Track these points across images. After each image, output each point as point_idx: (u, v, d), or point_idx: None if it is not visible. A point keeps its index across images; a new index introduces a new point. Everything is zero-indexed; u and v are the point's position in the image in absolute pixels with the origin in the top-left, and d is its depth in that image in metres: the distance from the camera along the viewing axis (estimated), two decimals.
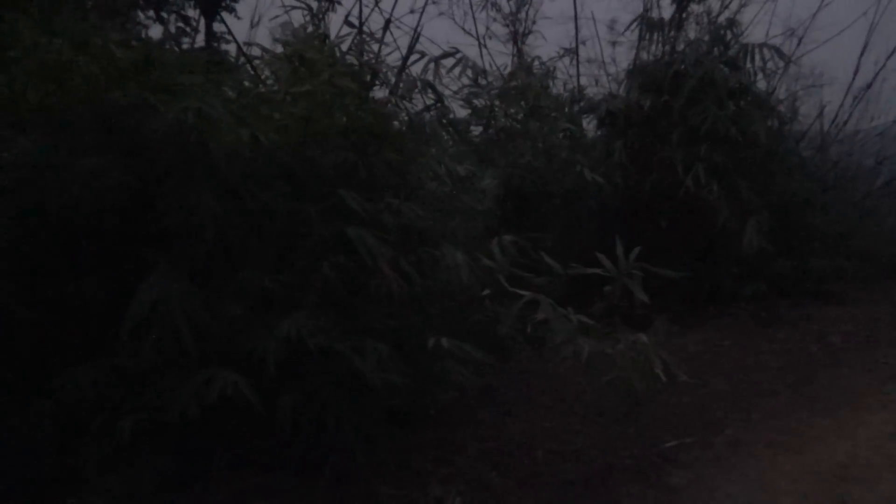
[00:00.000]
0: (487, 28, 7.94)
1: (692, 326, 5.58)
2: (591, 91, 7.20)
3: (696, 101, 6.02)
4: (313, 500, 2.91)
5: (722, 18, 6.72)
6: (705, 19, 6.89)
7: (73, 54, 2.91)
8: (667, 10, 6.87)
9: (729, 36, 6.54)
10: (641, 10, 6.84)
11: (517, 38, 8.02)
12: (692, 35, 6.78)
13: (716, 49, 6.47)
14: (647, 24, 6.71)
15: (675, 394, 4.07)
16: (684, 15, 6.87)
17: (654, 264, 3.72)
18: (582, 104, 6.72)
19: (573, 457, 3.44)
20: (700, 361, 4.79)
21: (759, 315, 5.90)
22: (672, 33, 6.81)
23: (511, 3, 7.97)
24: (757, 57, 6.29)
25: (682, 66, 6.24)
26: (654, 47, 6.89)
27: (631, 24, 6.82)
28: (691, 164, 5.85)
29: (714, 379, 4.50)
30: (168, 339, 2.63)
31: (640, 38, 6.86)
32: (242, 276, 2.86)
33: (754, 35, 6.93)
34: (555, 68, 6.41)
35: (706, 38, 6.62)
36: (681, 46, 6.70)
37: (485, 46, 7.54)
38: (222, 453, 2.92)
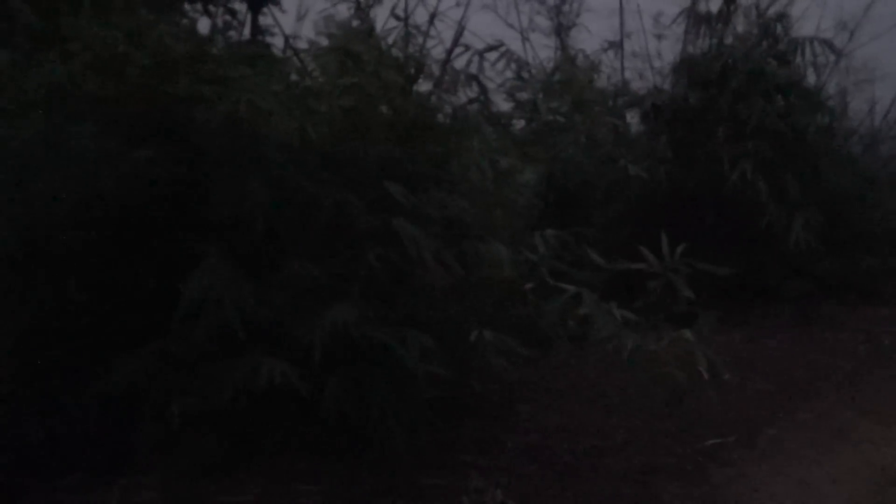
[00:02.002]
0: (531, 21, 7.90)
1: (736, 324, 5.50)
2: (635, 85, 7.14)
3: (744, 96, 5.93)
4: (355, 486, 2.95)
5: (771, 12, 6.60)
6: (754, 12, 6.77)
7: (129, 47, 2.99)
8: (714, 3, 6.78)
9: (778, 29, 6.43)
10: (689, 3, 6.75)
11: (561, 31, 7.98)
12: (740, 29, 6.68)
13: (765, 43, 6.37)
14: (695, 17, 6.62)
15: (718, 392, 4.02)
16: (732, 8, 6.75)
17: (697, 260, 3.69)
18: (626, 98, 6.66)
19: (613, 452, 3.42)
20: (744, 360, 4.73)
21: (805, 314, 5.80)
22: (720, 27, 6.71)
23: None
24: (807, 51, 6.18)
25: (730, 60, 6.15)
26: (700, 41, 6.80)
27: (677, 16, 6.75)
28: (738, 159, 5.77)
29: (758, 378, 4.44)
30: (217, 326, 2.70)
31: (687, 32, 6.77)
32: (290, 265, 2.91)
33: (804, 29, 6.79)
34: (599, 62, 6.36)
35: (755, 31, 6.51)
36: (728, 40, 6.59)
37: (527, 40, 7.52)
38: (268, 438, 2.98)
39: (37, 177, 2.80)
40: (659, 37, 7.52)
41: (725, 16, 6.73)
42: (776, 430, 3.71)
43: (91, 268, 2.89)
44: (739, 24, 6.74)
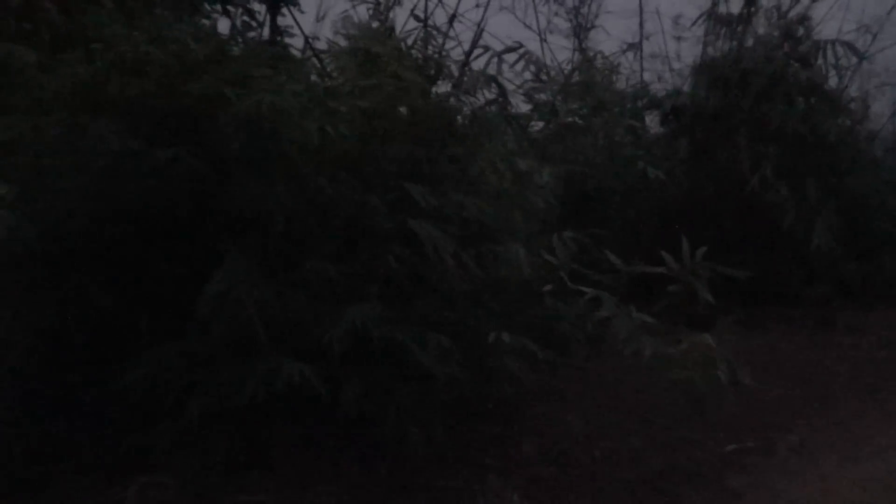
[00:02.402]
0: (549, 22, 7.88)
1: (755, 328, 5.46)
2: (654, 87, 7.10)
3: (765, 99, 5.89)
4: (373, 487, 2.95)
5: (793, 14, 6.54)
6: (775, 15, 6.72)
7: (151, 47, 3.00)
8: (735, 5, 6.73)
9: (800, 32, 6.37)
10: (709, 5, 6.70)
11: (579, 32, 7.94)
12: (761, 31, 6.63)
13: (786, 45, 6.31)
14: (715, 19, 6.57)
15: (738, 396, 3.98)
16: (753, 10, 6.70)
17: (716, 264, 3.66)
18: (645, 100, 6.63)
19: (631, 456, 3.40)
20: (763, 364, 4.68)
21: (824, 318, 5.74)
22: (740, 29, 6.66)
23: None
24: (829, 53, 6.12)
25: (751, 63, 6.10)
26: (720, 43, 6.76)
27: (698, 19, 6.71)
28: (758, 162, 5.73)
29: (777, 382, 4.40)
30: (237, 325, 2.70)
31: (707, 34, 6.72)
32: (309, 265, 2.91)
33: (826, 31, 6.73)
34: (618, 63, 6.33)
35: (776, 33, 6.46)
36: (749, 42, 6.55)
37: (545, 41, 7.50)
38: (285, 438, 2.99)
39: (61, 175, 2.83)
40: (678, 39, 7.47)
41: (746, 18, 6.68)
42: (796, 435, 3.67)
43: (112, 266, 2.90)
44: (760, 27, 6.70)
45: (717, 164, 6.01)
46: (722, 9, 6.70)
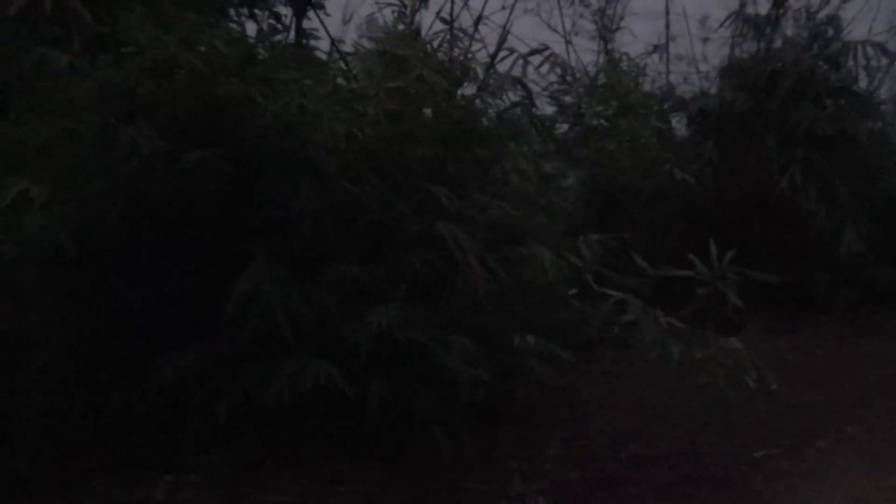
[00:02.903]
0: (574, 24, 7.84)
1: (783, 333, 5.39)
2: (681, 89, 7.04)
3: (794, 101, 5.81)
4: (397, 489, 2.95)
5: (822, 14, 6.46)
6: (804, 15, 6.64)
7: (180, 50, 3.03)
8: (763, 6, 6.66)
9: (829, 32, 6.29)
10: (737, 6, 6.64)
11: (605, 34, 7.91)
12: (789, 32, 6.55)
13: (815, 46, 6.23)
14: (743, 20, 6.51)
15: (766, 402, 3.94)
16: (781, 11, 6.63)
17: (744, 267, 3.62)
18: (672, 102, 6.57)
19: (657, 462, 3.37)
20: (791, 370, 4.63)
21: (853, 324, 5.67)
22: (768, 30, 6.59)
23: None
24: (859, 54, 6.02)
25: (780, 64, 6.03)
26: (748, 44, 6.69)
27: (725, 20, 6.63)
28: (787, 165, 5.67)
29: (806, 388, 4.35)
30: (264, 325, 2.72)
31: (735, 35, 6.66)
32: (335, 267, 2.92)
33: (856, 32, 6.63)
34: (644, 65, 6.28)
35: (804, 34, 6.38)
36: (777, 43, 6.47)
37: (570, 43, 7.46)
38: (311, 439, 3.00)
39: (92, 177, 2.87)
40: (705, 40, 7.41)
41: (774, 19, 6.60)
42: (826, 442, 3.62)
43: (141, 266, 2.93)
44: (788, 28, 6.62)
45: (745, 166, 5.94)
46: (750, 10, 6.64)
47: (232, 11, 5.37)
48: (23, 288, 2.95)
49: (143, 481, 2.85)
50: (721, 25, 6.77)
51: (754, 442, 3.58)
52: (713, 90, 6.64)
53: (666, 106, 6.56)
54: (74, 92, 2.99)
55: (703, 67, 7.35)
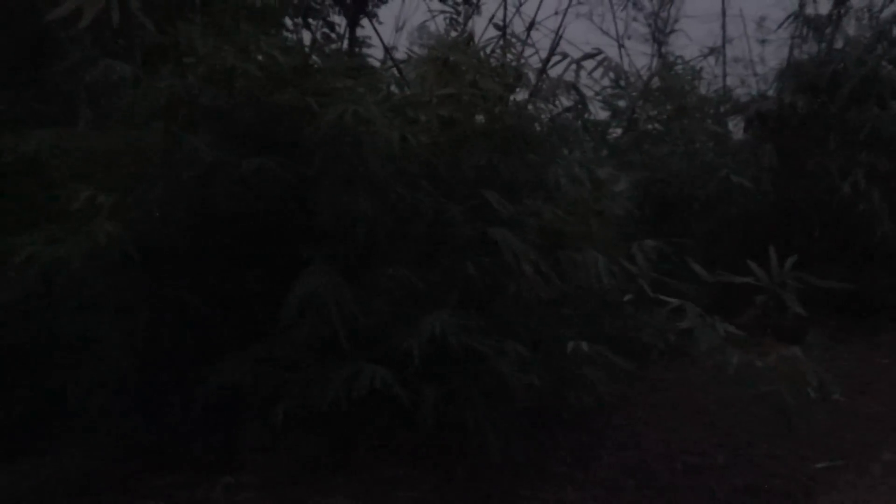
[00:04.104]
0: (626, 28, 7.79)
1: (846, 342, 5.23)
2: (738, 92, 6.91)
3: (857, 102, 5.65)
4: (450, 495, 2.95)
5: (886, 13, 6.28)
6: (866, 15, 6.46)
7: (239, 61, 3.11)
8: (823, 6, 6.50)
9: (894, 32, 6.09)
10: (796, 6, 6.49)
11: (658, 37, 7.82)
12: (851, 32, 6.38)
13: (879, 46, 6.04)
14: (803, 20, 6.36)
15: (828, 412, 3.82)
16: (843, 10, 6.46)
17: (804, 274, 3.52)
18: (728, 105, 6.45)
19: (715, 472, 3.30)
20: (855, 379, 4.48)
21: None
22: (829, 30, 6.42)
23: (653, 2, 7.78)
24: None
25: (841, 65, 5.86)
26: (808, 45, 6.54)
27: (784, 21, 6.49)
28: (849, 169, 5.50)
29: (870, 398, 4.21)
30: (321, 330, 2.76)
31: (794, 36, 6.51)
32: (390, 272, 2.95)
33: None
34: (700, 68, 6.19)
35: (867, 34, 6.20)
36: (839, 44, 6.31)
37: (623, 47, 7.40)
38: (365, 443, 3.03)
39: (155, 185, 2.95)
40: (762, 42, 7.27)
41: (835, 19, 6.43)
42: (890, 454, 3.49)
43: (202, 272, 3.01)
44: (850, 28, 6.45)
45: (805, 170, 5.79)
46: (810, 10, 6.49)
47: (288, 21, 5.48)
48: (89, 292, 3.05)
49: (203, 481, 2.91)
50: (780, 26, 6.65)
51: (816, 453, 3.48)
52: (771, 93, 6.50)
53: (722, 109, 6.45)
54: (138, 102, 3.09)
55: (760, 70, 7.23)
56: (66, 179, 2.91)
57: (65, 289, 2.96)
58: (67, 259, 2.67)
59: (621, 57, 7.27)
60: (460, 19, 5.35)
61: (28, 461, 3.07)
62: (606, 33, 7.48)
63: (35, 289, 2.90)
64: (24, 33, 3.71)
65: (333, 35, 7.93)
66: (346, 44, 7.12)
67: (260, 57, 3.15)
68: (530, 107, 4.04)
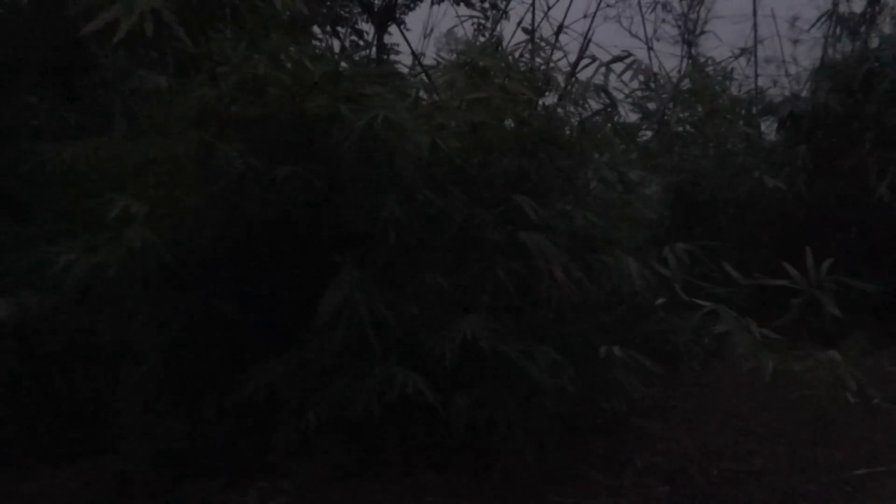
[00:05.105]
0: (655, 30, 7.73)
1: (886, 346, 5.11)
2: (770, 93, 6.82)
3: (892, 101, 5.54)
4: (483, 501, 2.94)
5: None
6: None
7: (270, 69, 3.14)
8: (857, 4, 6.39)
9: None
10: (829, 5, 6.39)
11: (688, 39, 7.75)
12: (887, 30, 6.27)
13: None
14: (836, 19, 6.26)
15: (867, 418, 3.74)
16: (877, 8, 6.34)
17: (842, 277, 3.45)
18: (760, 106, 6.37)
19: (752, 478, 3.25)
20: (895, 384, 4.39)
21: None
22: (863, 29, 6.31)
23: (682, 3, 7.72)
24: None
25: (877, 64, 5.76)
26: (841, 44, 6.43)
27: (817, 20, 6.40)
28: (885, 169, 5.39)
29: None
30: (353, 335, 2.77)
31: (828, 35, 6.40)
32: (420, 277, 2.95)
33: None
34: (731, 69, 6.10)
35: None
36: (874, 43, 6.20)
37: (652, 49, 7.35)
38: (397, 449, 3.03)
39: (188, 193, 2.99)
40: (795, 41, 7.17)
41: (870, 17, 6.33)
42: None
43: (235, 278, 3.04)
44: (886, 26, 6.34)
45: (841, 172, 5.69)
46: (843, 9, 6.39)
47: (316, 29, 5.53)
48: (124, 300, 3.10)
49: (237, 486, 2.94)
50: (812, 26, 6.54)
51: (855, 459, 3.42)
52: (805, 93, 6.40)
53: (754, 110, 6.36)
54: (172, 112, 3.14)
55: (793, 70, 7.13)
56: (102, 189, 2.95)
57: (101, 296, 3.01)
58: (104, 267, 2.71)
59: (650, 59, 7.22)
60: (488, 24, 5.35)
61: (65, 467, 3.12)
62: (635, 35, 7.45)
63: (72, 296, 2.95)
64: (59, 46, 3.79)
65: (361, 42, 7.99)
66: (373, 51, 7.16)
67: (290, 65, 3.17)
68: (560, 110, 4.02)
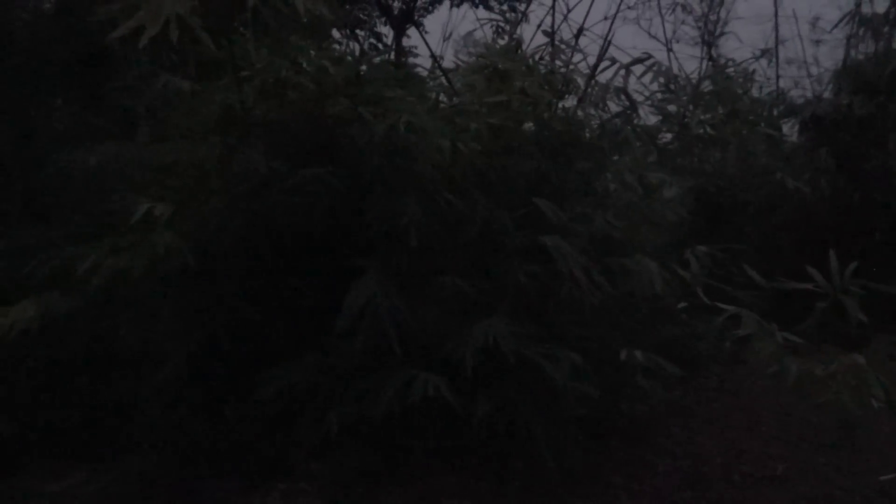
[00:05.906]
0: (675, 32, 7.69)
1: None
2: (792, 94, 6.76)
3: None
4: (505, 503, 2.94)
5: None
6: None
7: (292, 72, 3.16)
8: (880, 5, 6.32)
9: None
10: (851, 6, 6.33)
11: (709, 40, 7.70)
12: None
13: None
14: (859, 20, 6.19)
15: (892, 422, 3.70)
16: None
17: (865, 280, 3.41)
18: (782, 108, 6.31)
19: (774, 483, 3.22)
20: None
21: None
22: (887, 29, 6.24)
23: (702, 4, 7.67)
24: None
25: None
26: (864, 45, 6.36)
27: (840, 20, 6.34)
28: None
29: None
30: (374, 339, 2.77)
31: (850, 36, 6.34)
32: (441, 280, 2.95)
33: None
34: (753, 70, 6.05)
35: None
36: None
37: (671, 51, 7.31)
38: (418, 451, 3.03)
39: (212, 196, 3.01)
40: (817, 42, 7.10)
41: (893, 18, 6.25)
42: None
43: (257, 281, 3.05)
44: None
45: (864, 173, 5.63)
46: (866, 9, 6.32)
47: (336, 33, 5.55)
48: (148, 302, 3.12)
49: (259, 488, 2.95)
50: (835, 27, 6.49)
51: (881, 464, 3.38)
52: (827, 94, 6.34)
53: (776, 112, 6.31)
54: (195, 115, 3.16)
55: (815, 71, 7.05)
56: (127, 192, 2.98)
57: (125, 298, 3.04)
58: (128, 269, 2.74)
59: (670, 61, 7.18)
60: (507, 27, 5.35)
61: (89, 468, 3.15)
62: (654, 37, 7.39)
63: (97, 298, 2.98)
64: (83, 50, 3.83)
65: (381, 45, 8.02)
66: (392, 54, 7.18)
67: (311, 69, 3.18)
68: (580, 113, 4.02)
